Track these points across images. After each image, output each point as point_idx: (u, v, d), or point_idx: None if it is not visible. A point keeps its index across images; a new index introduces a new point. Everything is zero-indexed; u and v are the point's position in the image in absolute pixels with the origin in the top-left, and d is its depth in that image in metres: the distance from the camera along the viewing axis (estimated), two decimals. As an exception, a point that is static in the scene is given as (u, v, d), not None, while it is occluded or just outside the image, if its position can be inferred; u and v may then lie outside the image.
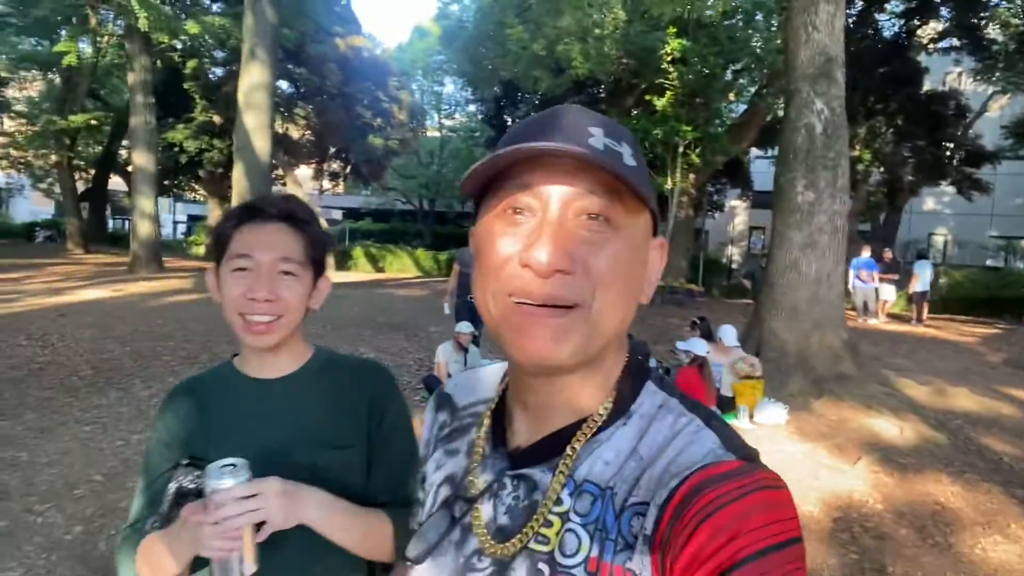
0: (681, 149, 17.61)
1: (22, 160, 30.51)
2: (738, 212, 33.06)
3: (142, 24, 15.45)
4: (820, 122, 7.54)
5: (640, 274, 0.67)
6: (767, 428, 6.60)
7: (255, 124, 14.28)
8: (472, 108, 31.94)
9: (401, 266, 25.05)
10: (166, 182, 33.03)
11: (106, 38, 21.19)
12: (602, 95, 21.15)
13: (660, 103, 17.33)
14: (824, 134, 7.55)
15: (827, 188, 7.56)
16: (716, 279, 23.37)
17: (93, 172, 29.65)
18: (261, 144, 14.47)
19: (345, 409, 1.24)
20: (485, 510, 0.71)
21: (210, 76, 24.90)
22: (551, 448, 0.68)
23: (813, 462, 5.72)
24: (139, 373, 7.47)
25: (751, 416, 6.73)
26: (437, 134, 37.44)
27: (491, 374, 0.85)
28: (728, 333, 7.16)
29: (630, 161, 0.64)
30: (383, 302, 14.49)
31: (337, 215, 41.07)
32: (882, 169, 23.22)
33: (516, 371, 0.73)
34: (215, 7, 22.88)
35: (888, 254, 16.03)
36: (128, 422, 5.81)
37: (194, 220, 41.29)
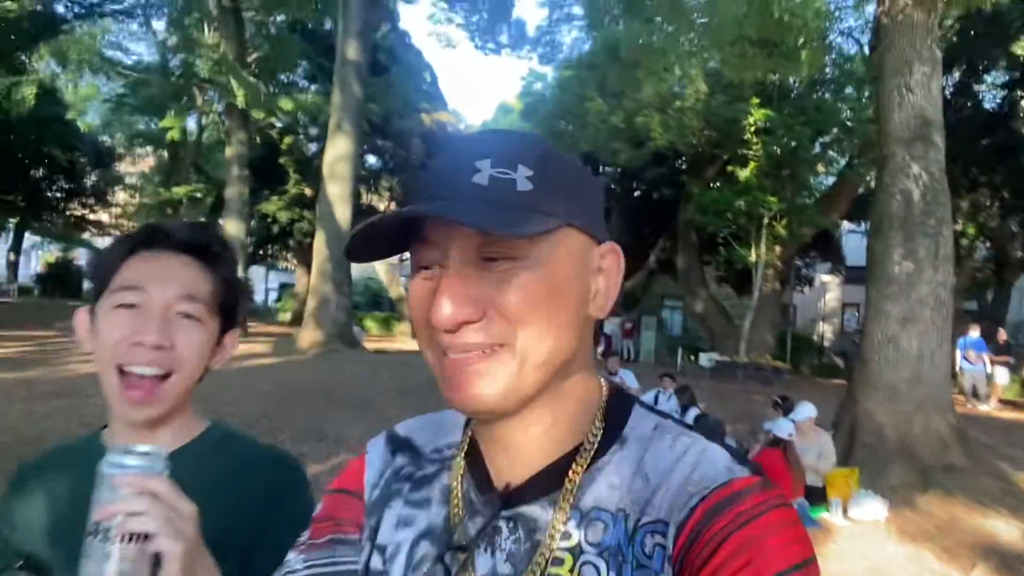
0: (766, 221, 17.04)
1: (133, 230, 32.76)
2: (830, 288, 31.71)
3: (240, 101, 16.42)
4: (918, 187, 6.98)
5: (570, 298, 0.63)
6: (864, 525, 5.87)
7: (338, 194, 14.70)
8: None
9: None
10: (260, 251, 34.72)
11: (210, 115, 22.67)
12: (683, 166, 20.89)
13: (743, 174, 16.93)
14: (923, 200, 6.98)
15: (928, 258, 6.93)
16: (806, 357, 22.15)
17: (193, 241, 31.42)
18: (343, 213, 14.85)
19: (230, 505, 0.93)
20: (482, 562, 0.65)
21: (304, 151, 26.17)
22: (548, 482, 0.65)
23: (919, 567, 5.00)
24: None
25: (845, 510, 6.02)
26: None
27: (453, 415, 0.78)
28: (804, 410, 6.51)
29: (524, 186, 0.60)
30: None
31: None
32: (988, 244, 21.80)
33: None
34: (312, 87, 24.23)
35: (1001, 334, 14.72)
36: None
37: (284, 288, 42.89)
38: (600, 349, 18.17)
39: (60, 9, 21.88)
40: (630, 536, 0.61)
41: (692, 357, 20.46)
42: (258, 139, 25.05)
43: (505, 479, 0.68)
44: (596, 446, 0.66)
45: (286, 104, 18.11)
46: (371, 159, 25.74)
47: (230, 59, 16.82)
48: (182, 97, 21.12)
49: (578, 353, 0.66)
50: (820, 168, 19.63)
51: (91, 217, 33.06)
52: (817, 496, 6.09)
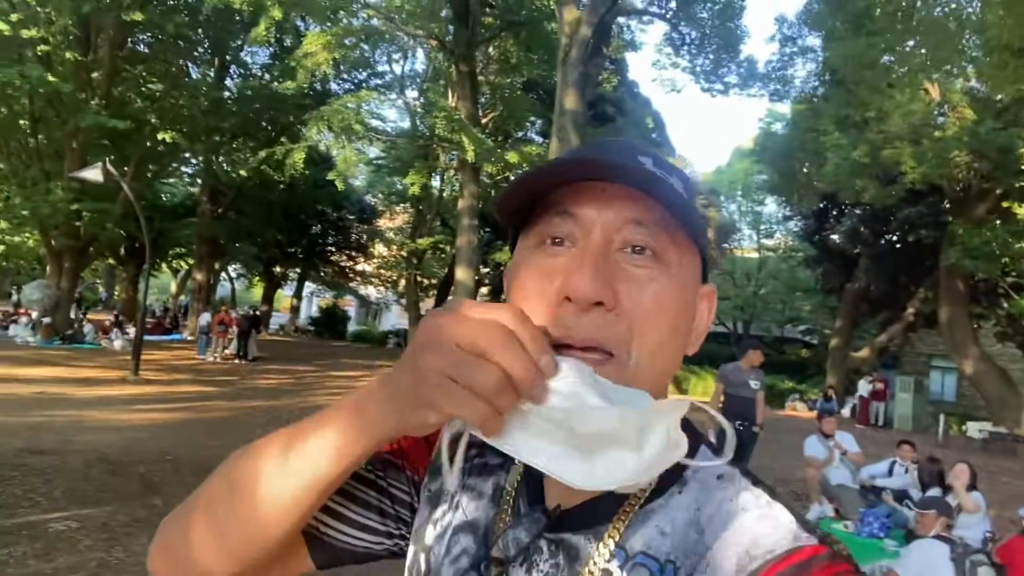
0: (1056, 265, 14.18)
1: (391, 280, 36.43)
2: None
3: (470, 156, 17.51)
4: None
5: (688, 321, 0.62)
6: None
7: None
8: (792, 225, 30.06)
9: (705, 388, 23.73)
10: (494, 299, 36.64)
11: (451, 172, 24.55)
12: (945, 204, 18.20)
13: (1022, 210, 14.30)
14: None
15: None
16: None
17: (437, 289, 33.93)
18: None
19: None
20: None
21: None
22: (599, 513, 0.62)
23: None
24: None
25: None
26: (755, 254, 35.91)
27: None
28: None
29: (680, 190, 0.59)
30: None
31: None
32: None
33: None
34: (544, 141, 25.25)
35: None
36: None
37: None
38: (846, 411, 16.30)
39: (333, 87, 25.58)
40: None
41: (960, 427, 17.45)
42: (493, 192, 26.60)
43: (557, 499, 0.64)
44: (655, 485, 0.61)
45: (512, 157, 18.92)
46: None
47: (463, 118, 18.05)
48: (426, 156, 23.11)
49: (667, 386, 0.63)
50: None
51: (356, 268, 37.42)
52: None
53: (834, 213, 23.71)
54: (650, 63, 49.85)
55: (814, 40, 17.47)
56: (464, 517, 0.70)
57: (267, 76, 24.03)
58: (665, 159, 0.63)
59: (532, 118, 24.72)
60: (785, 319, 34.67)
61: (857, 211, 21.82)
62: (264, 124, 24.41)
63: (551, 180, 0.58)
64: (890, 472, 7.50)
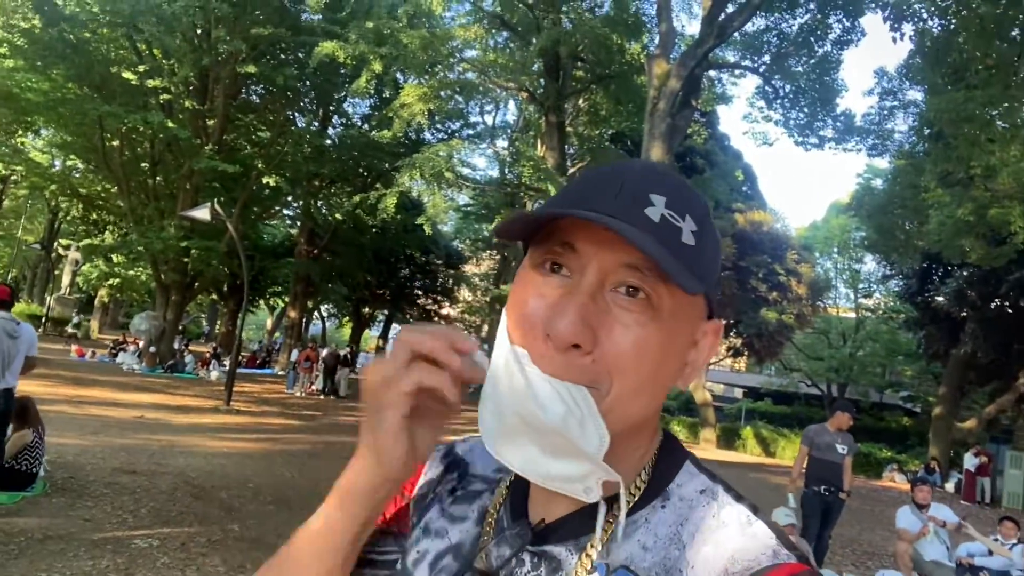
0: None
1: (474, 324, 36.93)
2: None
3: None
4: None
5: (674, 361, 0.61)
6: None
7: None
8: (892, 284, 28.64)
9: (793, 452, 22.57)
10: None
11: (536, 221, 24.83)
12: (1063, 267, 16.97)
13: None
14: None
15: None
16: None
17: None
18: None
19: None
20: None
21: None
22: (580, 525, 0.62)
23: None
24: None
25: None
26: (853, 314, 34.34)
27: None
28: None
29: (688, 239, 0.58)
30: (744, 484, 12.98)
31: (738, 393, 40.00)
32: None
33: None
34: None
35: None
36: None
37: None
38: (950, 485, 15.16)
39: (427, 135, 26.57)
40: None
41: (1080, 510, 15.86)
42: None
43: (541, 513, 0.65)
44: (636, 499, 0.63)
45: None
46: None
47: (550, 167, 18.33)
48: (513, 204, 23.51)
49: (652, 416, 0.64)
50: None
51: (441, 311, 38.13)
52: None
53: (938, 274, 22.47)
54: (742, 116, 49.14)
55: (915, 94, 16.93)
56: (449, 543, 0.70)
57: (366, 125, 25.23)
58: (688, 192, 0.61)
59: (619, 169, 24.85)
60: (885, 384, 32.80)
61: (963, 272, 20.59)
62: (360, 170, 25.55)
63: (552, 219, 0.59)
64: (991, 550, 6.91)
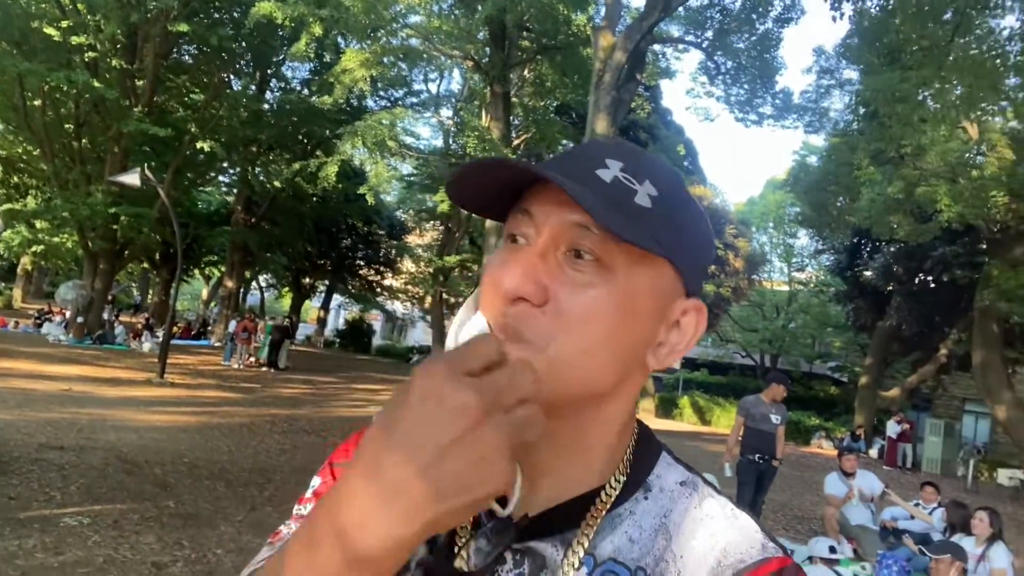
0: (1099, 312, 13.75)
1: (417, 296, 36.64)
2: None
3: (499, 176, 17.60)
4: None
5: (634, 330, 0.58)
6: None
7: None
8: (824, 259, 29.65)
9: (728, 421, 23.38)
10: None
11: (481, 192, 24.67)
12: (982, 244, 17.82)
13: (1063, 254, 13.95)
14: None
15: None
16: None
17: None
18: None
19: None
20: None
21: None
22: (565, 520, 0.61)
23: None
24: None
25: None
26: (786, 287, 35.46)
27: None
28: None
29: (643, 201, 0.57)
30: (681, 452, 13.36)
31: (675, 364, 40.94)
32: None
33: None
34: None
35: None
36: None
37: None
38: (874, 451, 15.94)
39: (369, 103, 25.96)
40: None
41: (991, 473, 16.94)
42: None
43: (522, 506, 0.60)
44: (617, 491, 0.62)
45: (542, 179, 18.97)
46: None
47: (496, 139, 18.15)
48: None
49: (617, 396, 0.61)
50: None
51: (384, 282, 37.71)
52: None
53: (867, 249, 23.35)
54: (685, 91, 49.72)
55: (851, 73, 17.38)
56: (424, 542, 0.63)
57: (306, 90, 24.49)
58: (650, 160, 0.60)
59: (564, 141, 24.83)
60: (815, 355, 34.08)
61: (891, 248, 21.46)
62: (300, 137, 24.83)
63: (497, 173, 0.57)
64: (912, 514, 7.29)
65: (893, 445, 19.12)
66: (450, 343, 0.58)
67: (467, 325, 0.58)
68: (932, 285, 20.92)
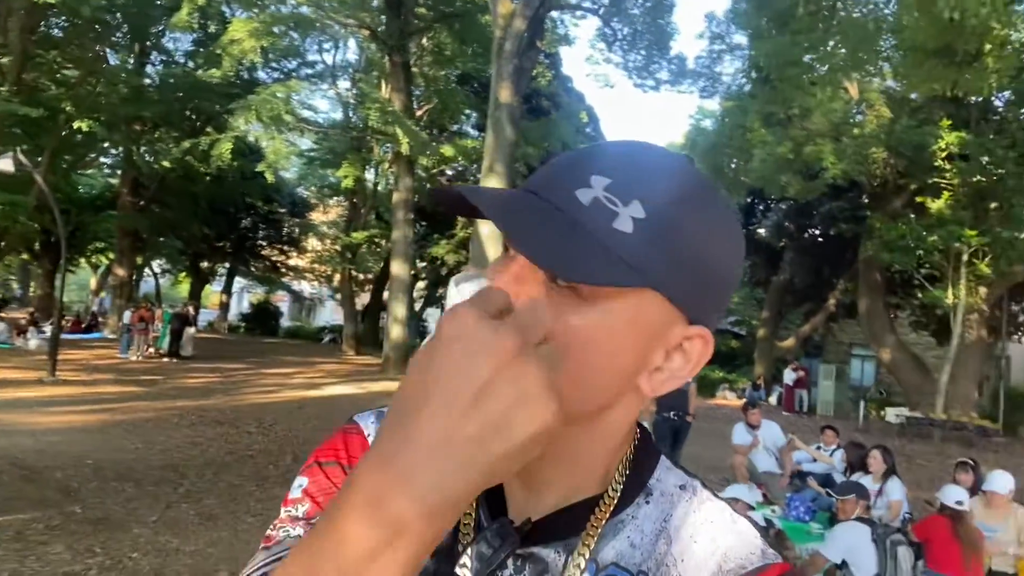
0: (965, 258, 14.97)
1: (325, 274, 35.68)
2: (1057, 336, 27.27)
3: (404, 149, 17.32)
4: None
5: (613, 363, 0.54)
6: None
7: (490, 233, 14.88)
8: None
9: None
10: (437, 294, 36.35)
11: (385, 166, 24.21)
12: (864, 199, 19.01)
13: (935, 205, 15.08)
14: None
15: None
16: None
17: (373, 285, 33.47)
18: (495, 253, 14.98)
19: None
20: None
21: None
22: (567, 525, 0.60)
23: None
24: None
25: (1047, 610, 4.79)
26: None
27: None
28: (996, 480, 5.34)
29: (623, 226, 0.52)
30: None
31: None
32: None
33: None
34: (480, 135, 25.15)
35: None
36: (288, 517, 5.73)
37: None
38: (773, 399, 16.82)
39: (261, 75, 24.84)
40: None
41: (879, 412, 18.30)
42: (429, 186, 26.35)
43: (521, 510, 0.61)
44: (620, 495, 0.61)
45: (447, 150, 18.80)
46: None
47: (397, 110, 17.80)
48: (359, 149, 22.69)
49: (615, 410, 0.58)
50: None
51: (289, 262, 36.52)
52: (1007, 587, 4.92)
53: (761, 208, 24.47)
54: (584, 58, 50.17)
55: (742, 38, 18.00)
56: None
57: (191, 64, 23.17)
58: (643, 174, 0.55)
59: (467, 111, 24.61)
60: (716, 311, 35.48)
61: (782, 206, 22.56)
62: (188, 113, 23.53)
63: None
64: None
65: (790, 392, 20.31)
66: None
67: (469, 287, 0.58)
68: (820, 239, 22.22)
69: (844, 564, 4.35)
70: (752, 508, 4.85)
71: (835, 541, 4.52)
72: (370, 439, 0.68)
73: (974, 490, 5.52)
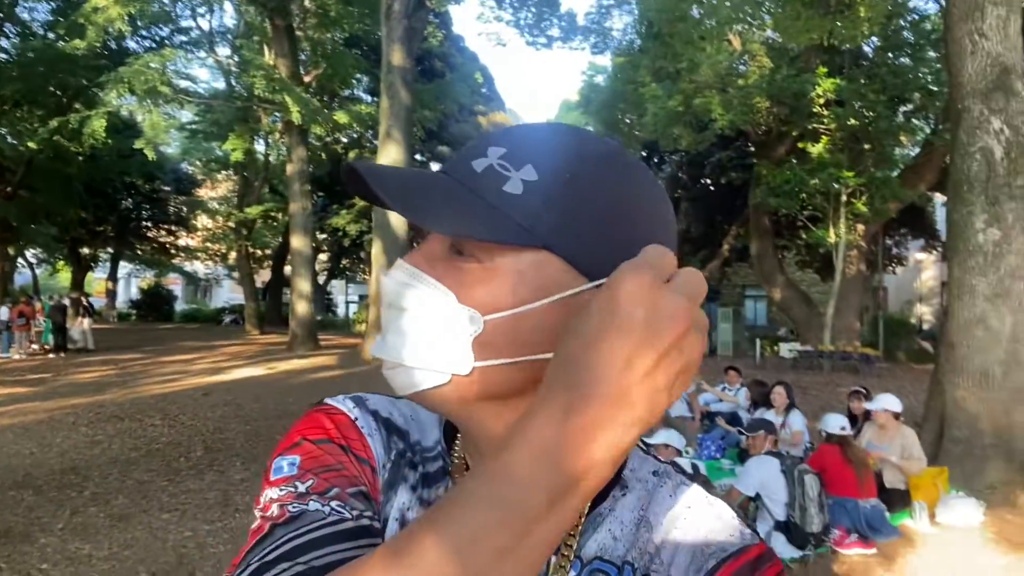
0: (844, 198, 15.93)
1: (219, 253, 34.11)
2: (925, 266, 29.65)
3: (295, 117, 16.64)
4: (999, 144, 6.13)
5: (525, 327, 0.52)
6: (954, 531, 5.13)
7: None
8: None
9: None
10: (341, 265, 35.49)
11: (276, 136, 23.22)
12: (750, 147, 19.83)
13: (815, 150, 15.90)
14: (1007, 158, 6.12)
15: (1018, 222, 6.07)
16: (902, 342, 20.64)
17: (272, 261, 32.32)
18: (398, 220, 14.76)
19: None
20: None
21: (369, 163, 26.54)
22: None
23: (1021, 582, 4.28)
24: (244, 454, 7.37)
25: (932, 515, 5.29)
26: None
27: (424, 411, 0.70)
28: (882, 401, 5.81)
29: (513, 188, 0.52)
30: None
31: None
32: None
33: None
34: (374, 100, 24.46)
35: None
36: (207, 510, 5.55)
37: (363, 299, 43.74)
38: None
39: (131, 45, 23.15)
40: None
41: (774, 348, 19.42)
42: (324, 155, 25.49)
43: None
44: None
45: (341, 117, 18.21)
46: (434, 167, 25.82)
47: (284, 77, 17.05)
48: (246, 119, 21.64)
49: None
50: (903, 138, 18.26)
51: (179, 243, 34.66)
52: (899, 500, 5.39)
53: (656, 160, 25.11)
54: (475, 16, 49.58)
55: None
56: None
57: (51, 35, 21.30)
58: (539, 144, 0.55)
59: (359, 75, 23.83)
60: (617, 263, 36.43)
61: (675, 158, 23.23)
62: (53, 89, 21.69)
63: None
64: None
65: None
66: None
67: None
68: (712, 189, 23.06)
69: (758, 496, 4.64)
70: (680, 453, 5.07)
71: (748, 476, 4.81)
72: (358, 423, 0.66)
73: (867, 415, 5.97)
